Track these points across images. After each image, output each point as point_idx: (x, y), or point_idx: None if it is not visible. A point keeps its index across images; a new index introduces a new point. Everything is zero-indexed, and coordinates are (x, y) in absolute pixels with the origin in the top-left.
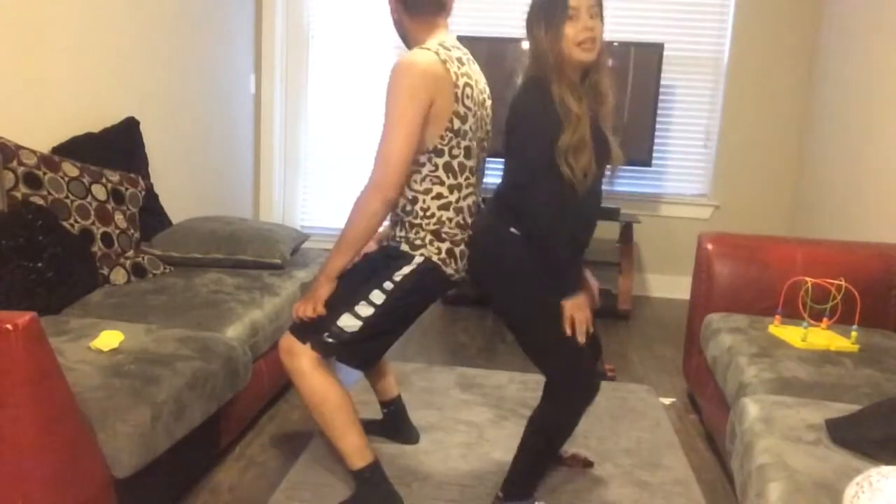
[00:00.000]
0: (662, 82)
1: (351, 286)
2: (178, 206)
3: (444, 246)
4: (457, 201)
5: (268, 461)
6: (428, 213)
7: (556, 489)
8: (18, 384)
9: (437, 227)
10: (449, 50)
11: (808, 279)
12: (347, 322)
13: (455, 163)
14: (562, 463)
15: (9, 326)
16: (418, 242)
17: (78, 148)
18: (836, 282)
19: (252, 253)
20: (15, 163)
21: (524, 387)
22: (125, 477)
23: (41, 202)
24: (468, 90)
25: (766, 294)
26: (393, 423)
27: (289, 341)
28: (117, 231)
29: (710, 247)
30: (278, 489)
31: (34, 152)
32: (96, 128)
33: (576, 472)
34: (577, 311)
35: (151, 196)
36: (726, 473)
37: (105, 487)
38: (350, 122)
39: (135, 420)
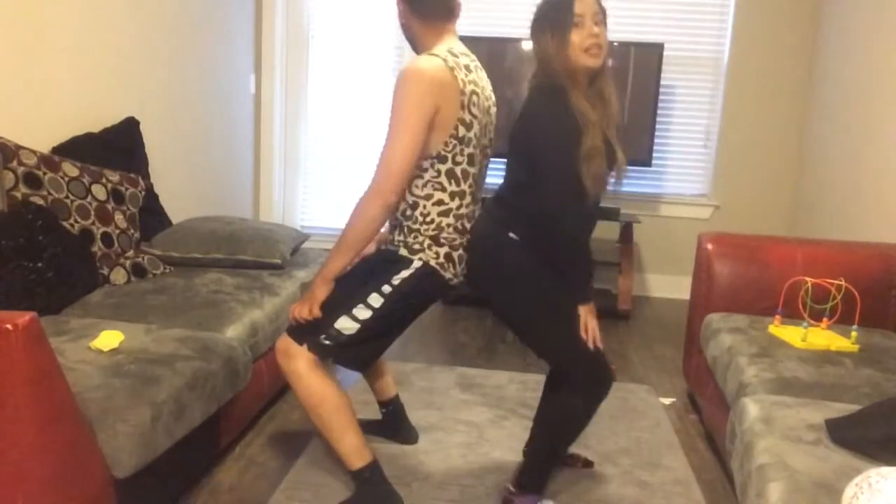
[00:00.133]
0: (662, 82)
1: (348, 289)
2: (178, 206)
3: (443, 250)
4: (457, 208)
5: (268, 461)
6: (428, 219)
7: (556, 489)
8: (18, 384)
9: (435, 232)
10: (457, 57)
11: (808, 279)
12: (344, 324)
13: (458, 170)
14: (562, 463)
15: (9, 326)
16: (417, 247)
17: (78, 148)
18: (836, 282)
19: (252, 253)
20: (15, 163)
21: (524, 387)
22: (125, 477)
23: (41, 202)
24: (474, 98)
25: (766, 294)
26: (392, 423)
27: (285, 343)
28: (117, 231)
29: (710, 247)
30: (278, 489)
31: (34, 152)
32: (96, 128)
33: (576, 472)
34: (590, 318)
35: (151, 196)
36: (726, 473)
37: (105, 487)
38: (350, 122)
39: (135, 420)
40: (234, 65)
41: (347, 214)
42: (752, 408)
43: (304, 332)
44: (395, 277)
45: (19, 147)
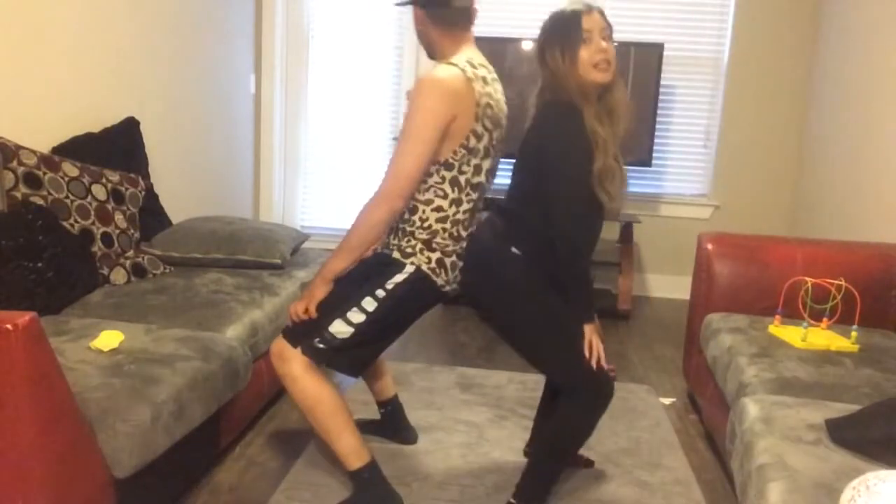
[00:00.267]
0: (662, 82)
1: (345, 291)
2: (178, 206)
3: (435, 256)
4: (454, 214)
5: (268, 461)
6: (425, 224)
7: (556, 489)
8: (18, 384)
9: (429, 236)
10: (476, 68)
11: (808, 279)
12: (339, 328)
13: (462, 178)
14: None
15: (9, 326)
16: (409, 251)
17: (78, 148)
18: (836, 282)
19: (252, 253)
20: (15, 163)
21: (524, 387)
22: (125, 477)
23: (41, 202)
24: (489, 110)
25: (766, 294)
26: (391, 424)
27: (280, 346)
28: (117, 231)
29: (710, 247)
30: (278, 489)
31: (34, 152)
32: (96, 128)
33: (576, 472)
34: (595, 336)
35: (151, 196)
36: (726, 473)
37: (105, 487)
38: (350, 122)
39: (135, 420)
40: (234, 65)
41: (347, 214)
42: (752, 408)
43: (298, 334)
44: (389, 282)
45: (19, 147)
